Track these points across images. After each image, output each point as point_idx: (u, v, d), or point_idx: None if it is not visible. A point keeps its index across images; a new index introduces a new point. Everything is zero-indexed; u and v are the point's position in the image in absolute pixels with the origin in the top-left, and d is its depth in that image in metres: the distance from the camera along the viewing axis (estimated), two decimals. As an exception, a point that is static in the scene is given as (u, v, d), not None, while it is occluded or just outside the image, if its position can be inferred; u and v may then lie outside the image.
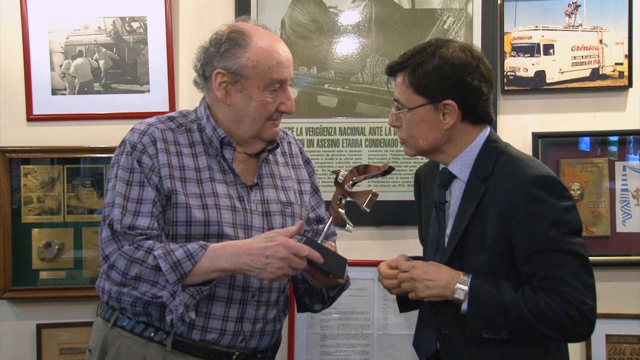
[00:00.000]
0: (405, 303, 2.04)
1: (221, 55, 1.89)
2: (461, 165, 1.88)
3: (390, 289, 1.92)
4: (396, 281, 1.88)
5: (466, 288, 1.78)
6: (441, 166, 1.95)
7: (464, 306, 1.78)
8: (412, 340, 2.10)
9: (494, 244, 1.79)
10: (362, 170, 1.89)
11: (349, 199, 1.89)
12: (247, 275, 1.85)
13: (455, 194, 1.90)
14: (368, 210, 1.86)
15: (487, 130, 1.91)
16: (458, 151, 1.88)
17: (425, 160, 2.15)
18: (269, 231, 1.86)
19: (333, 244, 2.00)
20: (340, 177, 1.88)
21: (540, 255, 1.75)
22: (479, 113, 1.86)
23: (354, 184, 1.88)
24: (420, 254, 2.10)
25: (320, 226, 2.10)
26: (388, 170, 1.87)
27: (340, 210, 1.88)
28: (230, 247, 1.78)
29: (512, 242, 1.78)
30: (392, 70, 1.91)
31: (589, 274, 1.77)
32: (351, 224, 1.89)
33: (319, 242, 1.86)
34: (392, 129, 2.71)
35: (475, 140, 1.88)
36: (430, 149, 1.90)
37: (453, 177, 1.91)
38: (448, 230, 1.89)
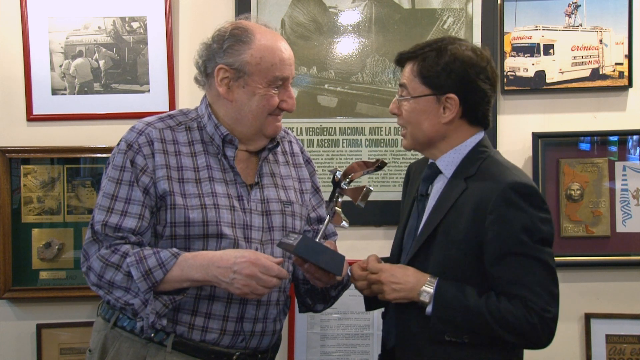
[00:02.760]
0: (371, 302, 2.05)
1: (224, 52, 1.90)
2: (448, 161, 1.91)
3: (361, 290, 1.94)
4: (366, 282, 1.91)
5: (431, 291, 1.79)
6: (430, 161, 1.97)
7: (429, 309, 1.80)
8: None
9: (465, 240, 1.81)
10: (357, 167, 1.90)
11: (346, 197, 1.90)
12: None
13: (436, 189, 1.93)
14: (362, 205, 1.88)
15: (481, 134, 1.94)
16: (449, 148, 1.91)
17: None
18: (246, 249, 1.86)
19: (333, 243, 2.00)
20: (337, 175, 1.89)
21: (508, 258, 1.77)
22: (479, 114, 1.90)
23: (350, 182, 1.89)
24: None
25: (321, 225, 2.10)
26: (381, 165, 1.90)
27: (336, 208, 1.89)
28: (201, 257, 1.79)
29: (483, 242, 1.79)
30: (401, 59, 1.94)
31: (554, 284, 1.79)
32: (347, 220, 1.91)
33: (316, 240, 1.87)
34: (392, 129, 2.72)
35: (467, 141, 1.91)
36: (426, 142, 1.92)
37: (438, 172, 1.93)
38: (423, 222, 1.91)
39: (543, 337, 1.78)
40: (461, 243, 1.81)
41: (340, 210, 1.90)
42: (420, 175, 2.02)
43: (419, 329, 1.85)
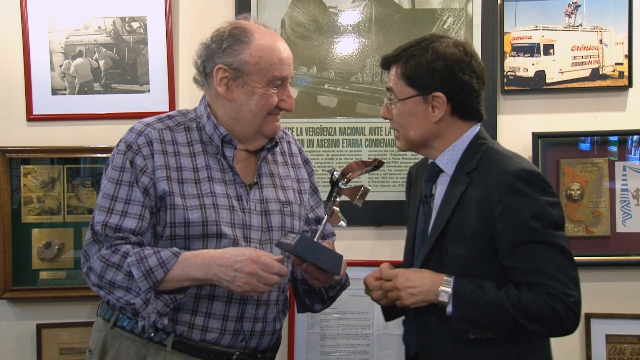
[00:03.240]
0: (390, 312, 2.04)
1: (223, 51, 1.90)
2: (448, 159, 1.90)
3: (378, 301, 1.93)
4: (382, 292, 1.89)
5: (449, 290, 1.78)
6: (429, 161, 1.97)
7: (449, 308, 1.78)
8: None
9: (475, 236, 1.80)
10: (354, 167, 1.90)
11: (344, 197, 1.90)
12: None
13: (440, 188, 1.92)
14: (360, 205, 1.88)
15: (477, 127, 1.93)
16: (446, 146, 1.90)
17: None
18: (246, 247, 1.86)
19: (331, 243, 2.00)
20: (335, 175, 1.89)
21: (522, 247, 1.75)
22: (469, 109, 1.89)
23: (348, 182, 1.90)
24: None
25: (319, 225, 2.11)
26: (379, 165, 1.90)
27: (334, 207, 1.89)
28: (202, 256, 1.79)
29: (494, 235, 1.78)
30: (386, 62, 1.95)
31: (572, 267, 1.77)
32: (345, 220, 1.90)
33: (315, 240, 1.87)
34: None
35: (464, 135, 1.90)
36: (420, 142, 1.92)
37: (440, 171, 1.93)
38: (432, 223, 1.90)
39: (569, 322, 1.76)
40: (472, 239, 1.80)
41: (338, 209, 1.89)
42: (421, 177, 2.01)
43: (441, 331, 1.83)
